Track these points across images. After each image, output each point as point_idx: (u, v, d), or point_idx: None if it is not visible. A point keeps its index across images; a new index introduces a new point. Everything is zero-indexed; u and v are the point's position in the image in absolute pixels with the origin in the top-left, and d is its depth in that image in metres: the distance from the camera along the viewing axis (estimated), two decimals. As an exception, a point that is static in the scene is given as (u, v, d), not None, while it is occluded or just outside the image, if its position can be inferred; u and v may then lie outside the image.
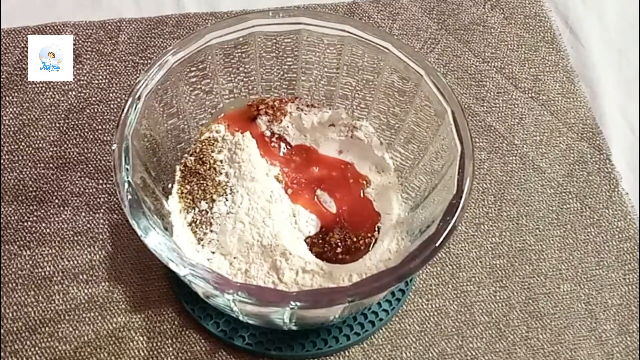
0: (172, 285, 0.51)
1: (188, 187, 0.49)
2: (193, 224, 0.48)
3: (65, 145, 0.57)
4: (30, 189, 0.55)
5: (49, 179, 0.55)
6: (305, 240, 0.49)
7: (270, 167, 0.51)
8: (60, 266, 0.52)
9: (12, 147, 0.56)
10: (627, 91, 0.66)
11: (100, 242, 0.53)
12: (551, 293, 0.54)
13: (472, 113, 0.62)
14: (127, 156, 0.43)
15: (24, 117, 0.58)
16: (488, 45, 0.66)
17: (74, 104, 0.59)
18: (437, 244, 0.41)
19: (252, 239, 0.47)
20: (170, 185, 0.50)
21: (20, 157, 0.56)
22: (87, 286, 0.51)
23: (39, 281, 0.51)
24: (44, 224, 0.53)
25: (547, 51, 0.66)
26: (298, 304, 0.39)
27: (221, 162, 0.50)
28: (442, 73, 0.63)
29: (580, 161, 0.60)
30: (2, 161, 0.56)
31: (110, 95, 0.60)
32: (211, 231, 0.48)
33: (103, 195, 0.55)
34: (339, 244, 0.49)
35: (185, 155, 0.51)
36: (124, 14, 0.65)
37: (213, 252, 0.48)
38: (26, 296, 0.51)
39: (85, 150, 0.57)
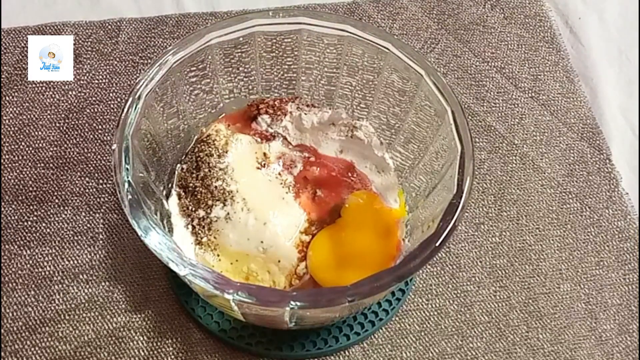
0: (172, 285, 0.51)
1: (188, 187, 0.49)
2: (193, 225, 0.48)
3: (65, 145, 0.57)
4: (30, 189, 0.55)
5: (49, 179, 0.55)
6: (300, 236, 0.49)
7: (270, 168, 0.51)
8: (60, 266, 0.52)
9: (12, 147, 0.56)
10: (627, 91, 0.66)
11: (100, 242, 0.53)
12: (551, 293, 0.54)
13: (472, 113, 0.62)
14: (127, 156, 0.43)
15: (24, 117, 0.58)
16: (488, 45, 0.66)
17: (74, 104, 0.59)
18: (437, 244, 0.41)
19: (251, 241, 0.47)
20: (170, 185, 0.50)
21: (20, 157, 0.56)
22: (87, 286, 0.51)
23: (39, 281, 0.51)
24: (44, 224, 0.53)
25: (547, 51, 0.66)
26: (298, 304, 0.39)
27: (221, 163, 0.50)
28: (442, 73, 0.63)
29: (580, 161, 0.60)
30: (2, 161, 0.56)
31: (110, 95, 0.60)
32: (210, 233, 0.48)
33: (103, 195, 0.55)
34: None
35: (185, 155, 0.51)
36: (124, 14, 0.65)
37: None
38: (26, 296, 0.51)
39: (85, 150, 0.57)
